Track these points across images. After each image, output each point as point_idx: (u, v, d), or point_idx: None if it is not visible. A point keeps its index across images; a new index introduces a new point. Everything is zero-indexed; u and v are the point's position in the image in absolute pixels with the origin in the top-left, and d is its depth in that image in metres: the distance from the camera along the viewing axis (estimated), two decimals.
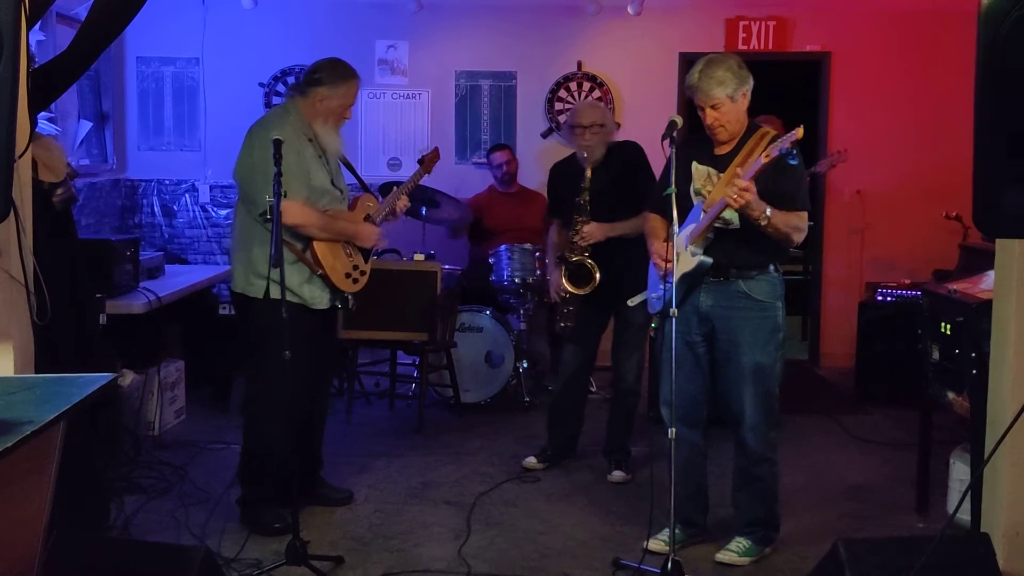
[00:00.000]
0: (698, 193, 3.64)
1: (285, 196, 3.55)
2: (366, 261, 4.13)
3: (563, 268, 4.48)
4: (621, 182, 4.47)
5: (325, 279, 3.92)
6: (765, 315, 3.59)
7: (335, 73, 3.96)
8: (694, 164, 3.66)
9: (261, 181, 3.76)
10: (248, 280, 3.89)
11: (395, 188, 4.41)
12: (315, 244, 3.87)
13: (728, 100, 3.53)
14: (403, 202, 4.31)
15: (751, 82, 3.58)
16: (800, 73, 7.44)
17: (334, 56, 4.04)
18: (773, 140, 3.43)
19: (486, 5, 7.16)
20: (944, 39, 6.89)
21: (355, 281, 4.03)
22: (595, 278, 4.41)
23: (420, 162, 4.52)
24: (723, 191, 3.49)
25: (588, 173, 4.42)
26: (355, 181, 4.33)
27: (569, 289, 4.46)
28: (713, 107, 3.54)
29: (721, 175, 3.57)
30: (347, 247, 4.02)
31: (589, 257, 4.42)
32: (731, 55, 3.62)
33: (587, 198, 4.41)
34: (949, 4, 6.73)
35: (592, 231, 4.40)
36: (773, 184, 3.49)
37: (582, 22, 7.12)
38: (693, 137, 3.75)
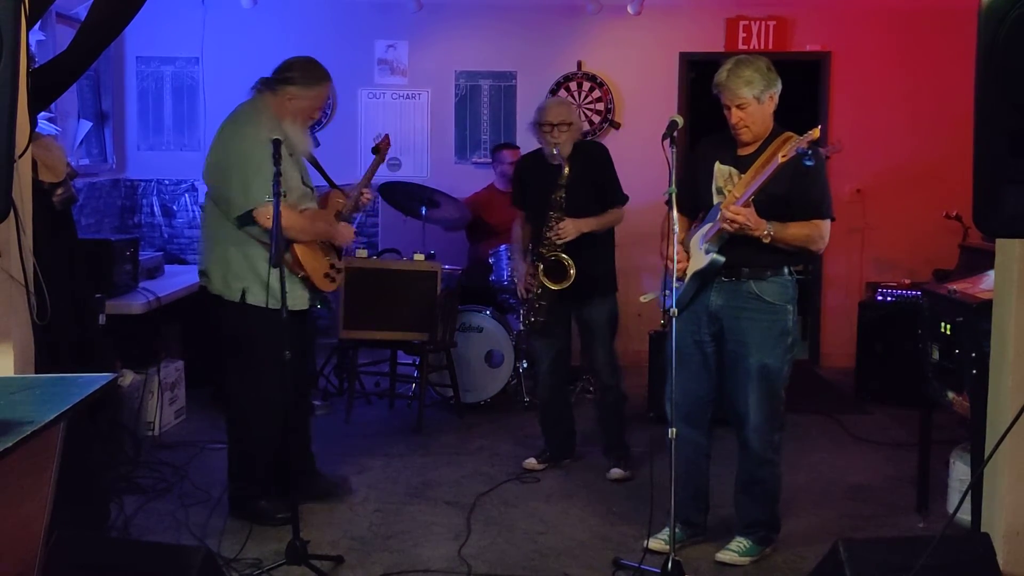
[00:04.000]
0: (719, 192, 3.64)
1: (284, 196, 3.55)
2: (339, 259, 4.15)
3: (539, 265, 4.50)
4: (588, 180, 4.50)
5: (306, 280, 3.92)
6: (775, 317, 3.58)
7: (308, 74, 3.94)
8: (716, 164, 3.66)
9: (238, 182, 3.74)
10: (225, 282, 3.87)
11: (358, 183, 4.37)
12: (295, 247, 3.85)
13: (754, 101, 3.52)
14: (367, 196, 4.30)
15: (779, 85, 3.58)
16: (800, 73, 7.43)
17: (310, 56, 4.04)
18: None
19: (486, 5, 7.16)
20: (944, 38, 6.89)
21: (332, 280, 4.05)
22: (570, 274, 4.44)
23: (374, 151, 4.48)
24: (741, 191, 3.50)
25: (566, 171, 4.43)
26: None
27: (548, 285, 4.48)
28: (739, 106, 3.54)
29: (742, 175, 3.57)
30: (323, 246, 4.03)
31: (564, 253, 4.44)
32: (761, 56, 3.61)
33: (563, 195, 4.43)
34: (949, 3, 6.73)
35: (567, 226, 4.42)
36: (793, 189, 3.49)
37: (582, 22, 7.13)
38: (717, 136, 3.75)
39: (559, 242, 4.43)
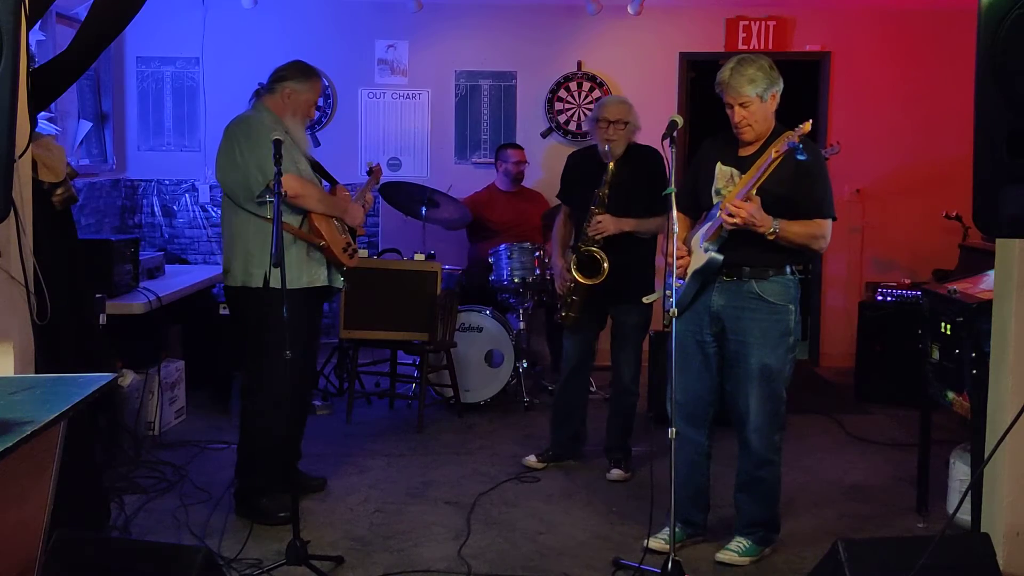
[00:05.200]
0: (718, 193, 3.64)
1: (285, 195, 3.58)
2: (354, 240, 4.25)
3: (573, 257, 4.50)
4: (636, 183, 4.48)
5: (326, 251, 4.01)
6: (776, 317, 3.58)
7: (300, 71, 4.13)
8: (718, 164, 3.66)
9: (255, 167, 3.84)
10: (247, 271, 3.94)
11: (360, 189, 4.49)
12: (313, 217, 3.97)
13: (757, 99, 3.53)
14: (369, 200, 4.43)
15: (781, 84, 3.59)
16: (800, 73, 7.44)
17: (302, 60, 4.20)
18: None
19: (486, 5, 7.16)
20: (944, 38, 6.89)
21: (351, 256, 4.15)
22: (603, 269, 4.43)
23: (369, 173, 4.63)
24: (738, 192, 3.50)
25: (611, 167, 4.41)
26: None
27: (578, 279, 4.47)
28: (742, 105, 3.54)
29: (743, 175, 3.57)
30: (338, 224, 4.14)
31: (600, 249, 4.44)
32: (763, 55, 3.61)
33: (607, 192, 4.42)
34: (949, 3, 6.74)
35: (605, 222, 4.42)
36: (795, 189, 3.49)
37: (582, 22, 7.12)
38: (720, 137, 3.75)
39: (597, 237, 4.44)
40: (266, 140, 3.76)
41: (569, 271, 4.50)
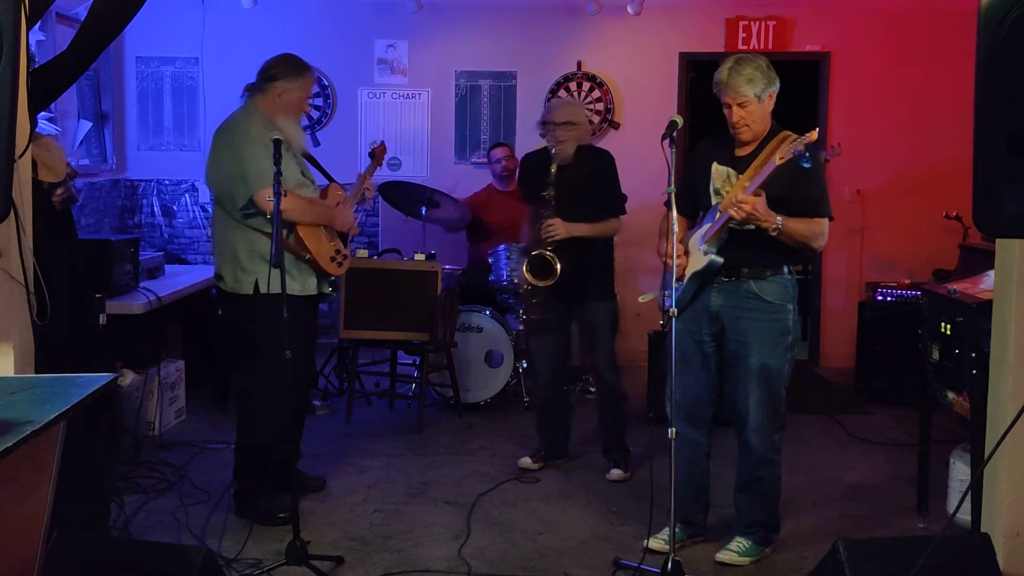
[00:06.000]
0: (717, 193, 3.64)
1: (285, 195, 3.57)
2: (344, 246, 4.20)
3: (525, 260, 4.53)
4: (587, 185, 4.51)
5: (312, 263, 3.98)
6: (775, 317, 3.58)
7: (291, 67, 4.04)
8: (714, 164, 3.67)
9: (238, 178, 3.82)
10: (236, 277, 3.94)
11: (359, 175, 4.46)
12: (298, 229, 3.92)
13: (755, 99, 3.53)
14: (371, 190, 4.40)
15: (778, 84, 3.59)
16: (800, 73, 7.43)
17: (291, 53, 4.11)
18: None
19: (486, 5, 7.16)
20: (944, 38, 6.89)
21: (339, 264, 4.11)
22: (556, 270, 4.45)
23: (371, 155, 4.59)
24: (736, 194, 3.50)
25: (553, 169, 4.46)
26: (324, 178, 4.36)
27: (531, 281, 4.48)
28: (740, 105, 3.54)
29: (740, 176, 3.57)
30: (327, 231, 4.08)
31: (552, 251, 4.45)
32: (760, 55, 3.62)
33: (552, 193, 4.45)
34: (949, 3, 6.74)
35: (556, 227, 4.43)
36: (792, 190, 3.49)
37: (582, 22, 7.13)
38: (716, 137, 3.75)
39: (548, 239, 4.44)
40: (250, 150, 3.76)
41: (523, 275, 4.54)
